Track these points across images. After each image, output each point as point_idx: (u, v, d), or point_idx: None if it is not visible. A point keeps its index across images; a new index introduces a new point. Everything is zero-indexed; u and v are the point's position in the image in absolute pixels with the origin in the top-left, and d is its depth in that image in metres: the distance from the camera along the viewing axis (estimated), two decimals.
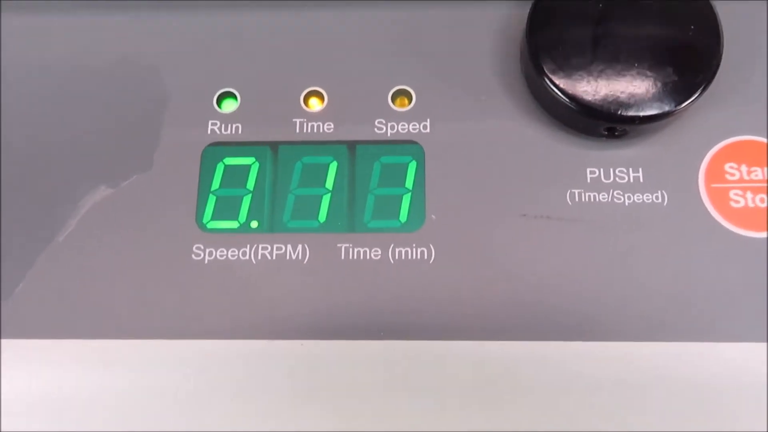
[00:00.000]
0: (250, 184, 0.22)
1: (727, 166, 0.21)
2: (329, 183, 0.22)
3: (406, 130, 0.22)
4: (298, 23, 0.24)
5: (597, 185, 0.22)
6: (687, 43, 0.21)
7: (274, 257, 0.21)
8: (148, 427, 0.21)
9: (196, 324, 0.21)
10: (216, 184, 0.22)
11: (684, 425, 0.20)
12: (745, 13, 0.23)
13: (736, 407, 0.20)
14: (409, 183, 0.22)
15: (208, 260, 0.21)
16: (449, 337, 0.20)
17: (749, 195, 0.21)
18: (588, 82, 0.21)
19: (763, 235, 0.21)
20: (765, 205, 0.21)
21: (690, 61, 0.21)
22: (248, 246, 0.21)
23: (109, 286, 0.21)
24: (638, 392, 0.20)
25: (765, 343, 0.20)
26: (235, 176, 0.22)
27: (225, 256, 0.21)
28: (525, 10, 0.21)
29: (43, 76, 0.23)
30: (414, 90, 0.23)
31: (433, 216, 0.21)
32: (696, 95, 0.21)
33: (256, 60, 0.23)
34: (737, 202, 0.21)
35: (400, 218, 0.21)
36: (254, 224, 0.22)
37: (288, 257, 0.21)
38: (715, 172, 0.21)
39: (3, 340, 0.21)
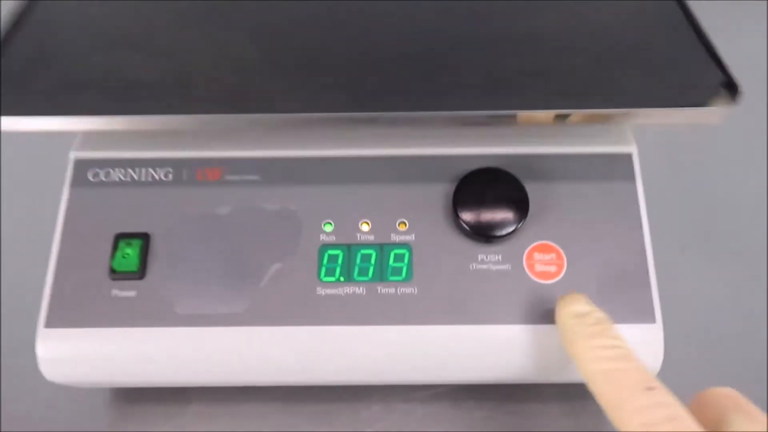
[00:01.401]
0: (340, 261, 0.52)
1: (534, 254, 0.53)
2: (373, 261, 0.53)
3: (403, 238, 0.53)
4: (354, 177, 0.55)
5: (483, 261, 0.52)
6: (516, 200, 0.52)
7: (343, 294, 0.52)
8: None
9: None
10: (324, 261, 0.52)
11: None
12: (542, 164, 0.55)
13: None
14: (407, 261, 0.52)
15: (325, 294, 0.52)
16: None
17: (542, 266, 0.52)
18: (477, 218, 0.52)
19: (547, 282, 0.52)
20: (549, 269, 0.52)
21: (517, 210, 0.52)
22: (341, 288, 0.52)
23: None
24: None
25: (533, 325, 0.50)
26: (332, 259, 0.53)
27: (335, 293, 0.52)
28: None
29: None
30: (408, 221, 0.54)
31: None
32: (520, 224, 0.52)
33: (344, 203, 0.54)
34: (538, 267, 0.52)
35: (403, 274, 0.52)
36: (341, 278, 0.52)
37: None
38: (519, 256, 0.52)
39: None
